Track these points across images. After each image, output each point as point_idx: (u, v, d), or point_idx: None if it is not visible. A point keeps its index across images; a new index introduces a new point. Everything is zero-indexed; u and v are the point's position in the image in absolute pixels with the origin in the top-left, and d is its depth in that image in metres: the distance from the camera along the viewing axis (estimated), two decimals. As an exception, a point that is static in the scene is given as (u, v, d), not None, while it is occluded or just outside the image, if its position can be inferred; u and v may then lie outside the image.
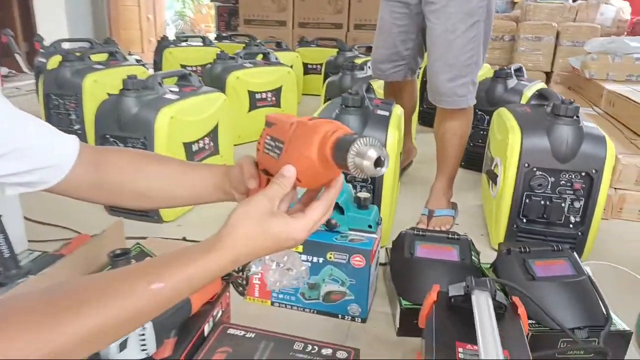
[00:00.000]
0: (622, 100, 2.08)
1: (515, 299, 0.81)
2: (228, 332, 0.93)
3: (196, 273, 0.47)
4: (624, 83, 2.47)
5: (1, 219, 0.98)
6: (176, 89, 1.63)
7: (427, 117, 2.48)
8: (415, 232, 1.16)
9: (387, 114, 1.42)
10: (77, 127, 2.14)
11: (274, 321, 1.08)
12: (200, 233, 1.38)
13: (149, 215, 1.50)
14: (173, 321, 0.82)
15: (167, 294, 0.46)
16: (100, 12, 5.47)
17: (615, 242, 1.50)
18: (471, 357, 0.70)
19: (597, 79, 2.53)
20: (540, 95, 1.55)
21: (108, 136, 1.50)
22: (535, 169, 1.31)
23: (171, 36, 3.73)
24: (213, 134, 1.72)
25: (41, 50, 2.84)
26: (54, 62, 2.42)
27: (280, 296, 1.12)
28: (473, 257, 1.12)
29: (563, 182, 1.30)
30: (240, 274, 0.91)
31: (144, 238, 1.34)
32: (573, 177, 1.30)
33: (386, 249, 1.26)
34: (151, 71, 2.71)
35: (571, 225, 1.33)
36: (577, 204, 1.31)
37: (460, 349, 0.71)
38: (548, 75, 3.20)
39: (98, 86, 2.10)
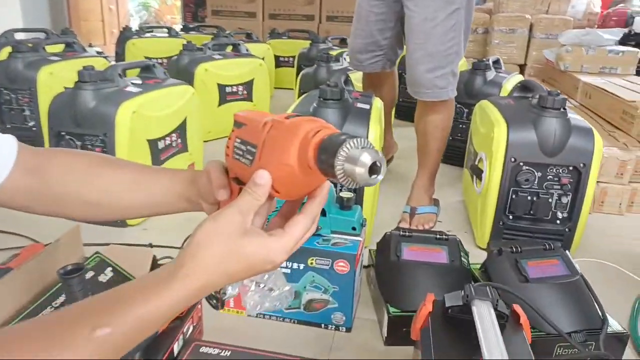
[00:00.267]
0: (598, 92, 2.07)
1: (517, 307, 0.75)
2: (200, 350, 0.84)
3: (151, 312, 0.38)
4: (598, 75, 2.47)
5: None
6: (139, 82, 1.51)
7: (404, 111, 2.42)
8: (401, 233, 1.09)
9: (367, 107, 1.34)
10: (31, 123, 1.99)
11: (252, 334, 0.99)
12: (169, 238, 1.29)
13: (112, 218, 1.38)
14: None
15: (116, 340, 0.37)
16: (58, 2, 5.19)
17: (598, 237, 1.47)
18: (476, 376, 0.63)
19: (572, 71, 2.52)
20: (524, 87, 1.51)
21: (64, 133, 1.37)
22: (521, 164, 1.26)
23: (135, 27, 3.55)
24: (181, 130, 1.60)
25: (-10, 42, 2.63)
26: (4, 53, 2.23)
27: (258, 306, 1.03)
28: (462, 259, 1.06)
29: (550, 176, 1.26)
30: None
31: (106, 245, 1.22)
32: (560, 171, 1.25)
33: (369, 250, 1.19)
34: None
35: (558, 222, 1.29)
36: (564, 199, 1.27)
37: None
38: (522, 68, 3.19)
39: (54, 79, 1.94)
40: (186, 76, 2.09)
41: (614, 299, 1.10)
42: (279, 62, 3.52)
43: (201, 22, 4.94)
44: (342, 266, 0.97)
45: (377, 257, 1.11)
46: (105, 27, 5.64)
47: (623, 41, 2.73)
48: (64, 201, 0.55)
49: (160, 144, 1.49)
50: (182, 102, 1.61)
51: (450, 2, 1.35)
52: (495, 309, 0.70)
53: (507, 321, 0.72)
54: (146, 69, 1.64)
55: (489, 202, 1.30)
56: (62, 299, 0.87)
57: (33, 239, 1.29)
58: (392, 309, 0.97)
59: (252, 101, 2.43)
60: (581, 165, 1.23)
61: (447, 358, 0.67)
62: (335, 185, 1.27)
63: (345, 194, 1.05)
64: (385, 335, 0.98)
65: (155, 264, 1.10)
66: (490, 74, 1.95)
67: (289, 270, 0.99)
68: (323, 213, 1.01)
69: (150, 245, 1.22)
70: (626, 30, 2.79)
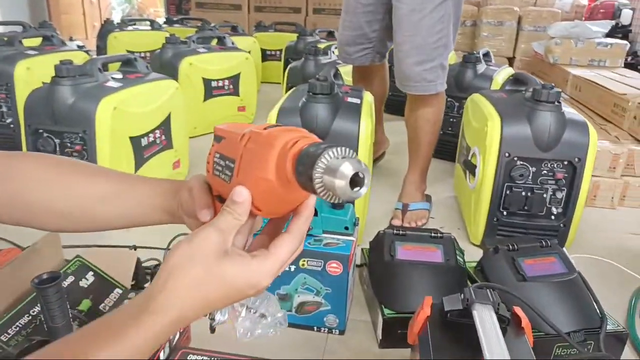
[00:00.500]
0: (589, 85, 2.06)
1: (518, 310, 0.72)
2: (188, 358, 0.80)
3: (116, 356, 0.34)
4: (587, 68, 2.46)
5: None
6: (120, 76, 1.45)
7: (394, 105, 2.38)
8: (395, 231, 1.06)
9: (358, 101, 1.30)
10: (9, 120, 1.91)
11: (242, 339, 0.95)
12: (154, 239, 1.24)
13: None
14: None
15: None
16: (37, -5, 5.05)
17: (591, 232, 1.46)
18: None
19: (561, 64, 2.51)
20: (516, 80, 1.48)
21: (41, 131, 1.31)
22: (516, 159, 1.23)
23: (117, 20, 3.46)
24: (165, 126, 1.55)
25: (-35, 35, 2.53)
26: (-23, 48, 2.14)
27: (247, 310, 0.99)
28: (458, 257, 1.03)
29: (545, 171, 1.23)
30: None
31: (87, 247, 1.17)
32: (555, 166, 1.23)
33: (362, 249, 1.15)
34: (94, 57, 2.47)
35: (553, 217, 1.27)
36: (559, 195, 1.25)
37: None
38: (510, 61, 3.18)
39: (32, 74, 1.86)
40: (170, 70, 2.03)
41: (610, 295, 1.09)
42: (266, 55, 3.46)
43: (185, 14, 4.84)
44: (334, 267, 0.93)
45: (371, 256, 1.08)
46: (87, 20, 5.50)
47: (610, 33, 2.73)
48: (33, 211, 0.50)
49: (144, 141, 1.43)
50: (165, 97, 1.55)
51: None
52: (497, 313, 0.67)
53: (508, 325, 0.69)
54: (127, 63, 1.58)
55: (483, 197, 1.27)
56: (39, 308, 0.82)
57: (12, 242, 1.24)
58: (386, 311, 0.94)
59: (238, 96, 2.37)
60: (576, 159, 1.21)
61: (447, 365, 0.64)
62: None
63: (337, 192, 1.01)
64: (380, 337, 0.95)
65: (139, 267, 1.05)
66: (481, 67, 1.92)
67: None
68: (314, 212, 0.97)
69: (134, 248, 1.17)
70: (614, 22, 2.79)
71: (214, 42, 2.48)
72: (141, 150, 1.42)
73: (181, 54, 2.13)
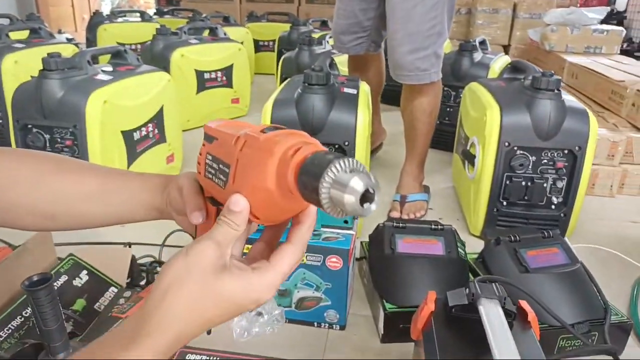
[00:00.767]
0: (585, 72, 2.04)
1: (523, 304, 0.70)
2: (187, 358, 0.79)
3: None
4: (583, 55, 2.44)
5: None
6: (110, 69, 1.41)
7: (389, 95, 2.35)
8: (395, 224, 1.04)
9: (354, 92, 1.28)
10: (-3, 115, 1.87)
11: (239, 339, 0.93)
12: (149, 235, 1.21)
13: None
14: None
15: None
16: (24, -13, 4.95)
17: (591, 221, 1.45)
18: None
19: (557, 51, 2.49)
20: (514, 68, 1.46)
21: (30, 126, 1.27)
22: (515, 148, 1.21)
23: (106, 12, 3.39)
24: (157, 119, 1.52)
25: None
26: (-38, 41, 2.09)
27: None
28: (459, 250, 1.01)
29: (545, 161, 1.22)
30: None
31: (80, 244, 1.14)
32: (555, 155, 1.21)
33: (361, 242, 1.13)
34: (84, 50, 2.42)
35: (553, 207, 1.25)
36: (559, 184, 1.23)
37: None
38: (506, 49, 3.15)
39: (20, 68, 1.82)
40: (161, 62, 1.99)
41: (611, 284, 1.08)
42: (258, 46, 3.42)
43: (176, 5, 4.76)
44: (334, 262, 0.91)
45: (370, 250, 1.06)
46: (76, 12, 5.41)
47: (605, 20, 2.71)
48: (12, 212, 0.48)
49: (136, 135, 1.40)
50: (157, 89, 1.52)
51: None
52: (503, 307, 0.66)
53: (514, 319, 0.68)
54: (117, 55, 1.54)
55: (483, 188, 1.25)
56: (30, 310, 0.80)
57: (3, 240, 1.21)
58: (388, 305, 0.92)
59: (232, 87, 2.33)
60: (576, 148, 1.19)
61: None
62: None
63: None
64: (382, 332, 0.93)
65: (134, 265, 1.03)
66: (477, 55, 1.89)
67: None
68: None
69: (129, 245, 1.14)
70: (609, 8, 2.77)
71: (206, 33, 2.44)
72: (134, 144, 1.39)
73: (172, 45, 2.09)
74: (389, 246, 1.00)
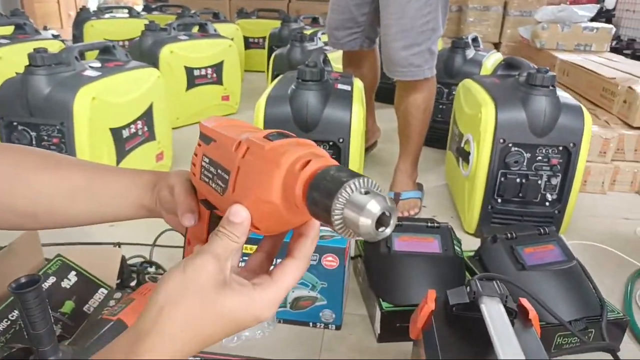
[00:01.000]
0: (577, 69, 2.05)
1: (524, 302, 0.69)
2: (180, 360, 0.76)
3: None
4: (573, 52, 2.45)
5: None
6: (98, 65, 1.38)
7: (383, 93, 2.34)
8: (391, 222, 1.02)
9: (348, 88, 1.26)
10: (-19, 113, 1.82)
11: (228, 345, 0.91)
12: (139, 234, 1.19)
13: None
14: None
15: None
16: (8, -18, 4.85)
17: (584, 218, 1.45)
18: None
19: (548, 49, 2.50)
20: (508, 64, 1.45)
21: (16, 124, 1.24)
22: (510, 145, 1.21)
23: (93, 8, 3.34)
24: (147, 116, 1.49)
25: None
26: (-56, 37, 2.04)
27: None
28: (455, 247, 1.00)
29: (540, 157, 1.21)
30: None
31: (68, 245, 1.11)
32: (550, 152, 1.21)
33: (357, 241, 1.12)
34: (70, 46, 2.37)
35: (547, 204, 1.25)
36: (554, 181, 1.23)
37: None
38: (496, 46, 3.16)
39: (4, 64, 1.79)
40: (150, 59, 1.96)
41: (605, 280, 1.08)
42: (249, 43, 3.38)
43: (164, 1, 4.71)
44: (330, 261, 0.90)
45: (366, 248, 1.04)
46: (62, 8, 5.32)
47: (594, 18, 2.73)
48: None
49: (125, 133, 1.37)
50: (146, 86, 1.49)
51: None
52: (504, 305, 0.65)
53: (515, 317, 0.67)
54: (105, 51, 1.50)
55: (477, 185, 1.25)
56: (17, 312, 0.77)
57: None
58: (385, 305, 0.91)
59: (222, 84, 2.31)
60: (571, 145, 1.19)
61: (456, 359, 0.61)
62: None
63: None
64: (379, 332, 0.92)
65: (124, 265, 1.00)
66: (470, 53, 1.89)
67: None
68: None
69: (118, 245, 1.12)
70: (599, 6, 2.79)
71: (195, 29, 2.41)
72: (123, 142, 1.36)
73: (161, 41, 2.06)
74: (385, 244, 0.98)
